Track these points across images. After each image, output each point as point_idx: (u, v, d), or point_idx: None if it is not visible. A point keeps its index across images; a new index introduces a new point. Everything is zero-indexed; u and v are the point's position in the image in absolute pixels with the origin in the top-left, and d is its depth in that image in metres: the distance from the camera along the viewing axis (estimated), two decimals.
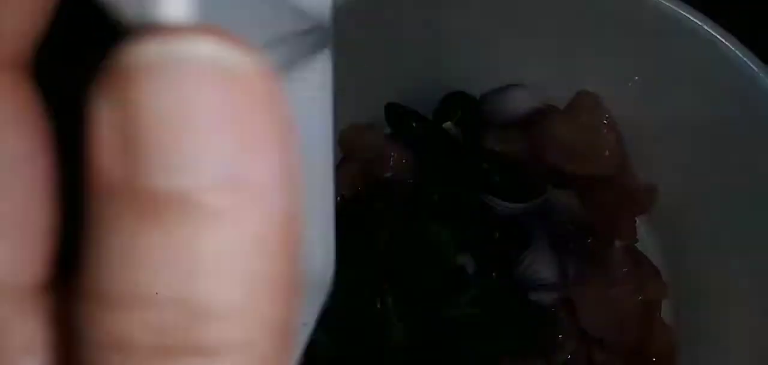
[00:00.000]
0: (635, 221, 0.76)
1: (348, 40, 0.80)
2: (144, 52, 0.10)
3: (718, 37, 0.69)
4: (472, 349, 0.62)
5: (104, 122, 0.10)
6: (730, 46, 0.69)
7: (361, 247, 0.69)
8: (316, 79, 0.19)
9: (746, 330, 0.73)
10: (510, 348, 0.63)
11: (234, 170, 0.10)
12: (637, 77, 0.78)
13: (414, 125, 0.80)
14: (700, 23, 0.70)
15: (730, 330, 0.73)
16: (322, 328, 0.75)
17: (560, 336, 0.72)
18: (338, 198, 0.79)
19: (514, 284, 0.72)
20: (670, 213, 0.80)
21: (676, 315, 0.77)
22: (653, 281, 0.70)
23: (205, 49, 0.10)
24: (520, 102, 0.79)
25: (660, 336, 0.71)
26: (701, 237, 0.78)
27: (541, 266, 0.70)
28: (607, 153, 0.76)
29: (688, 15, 0.70)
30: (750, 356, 0.71)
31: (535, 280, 0.70)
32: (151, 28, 0.10)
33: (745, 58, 0.69)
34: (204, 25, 0.11)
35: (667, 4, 0.70)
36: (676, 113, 0.77)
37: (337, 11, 0.84)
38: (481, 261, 0.71)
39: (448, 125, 0.80)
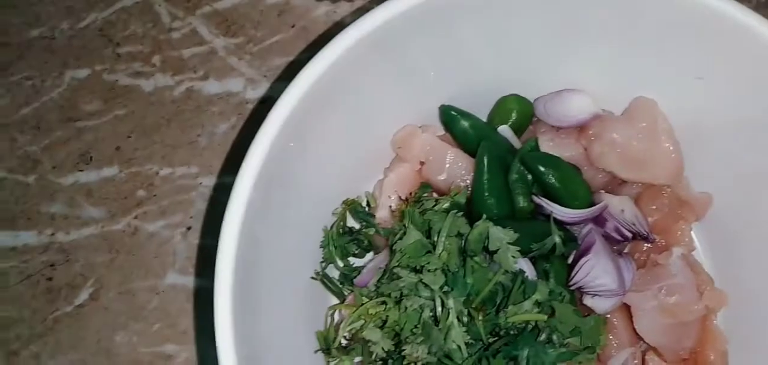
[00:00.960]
0: (691, 230, 0.76)
1: (404, 43, 0.82)
2: None
3: None
4: (533, 354, 0.63)
5: None
6: None
7: (420, 250, 0.69)
8: None
9: None
10: (568, 353, 0.63)
11: None
12: (694, 82, 0.77)
13: (468, 126, 0.80)
14: (757, 23, 0.68)
15: None
16: (383, 332, 0.72)
17: (616, 342, 0.72)
18: (391, 198, 0.79)
19: (572, 292, 0.72)
20: (722, 222, 0.80)
21: (727, 323, 0.76)
22: (711, 289, 0.69)
23: None
24: (577, 106, 0.79)
25: (714, 344, 0.71)
26: (753, 245, 0.77)
27: (599, 272, 0.70)
28: (664, 161, 0.76)
29: (746, 17, 0.68)
30: None
31: (594, 286, 0.70)
32: None
33: None
34: None
35: (724, 4, 0.68)
36: (731, 118, 0.76)
37: (394, 15, 0.83)
38: (540, 267, 0.72)
39: (503, 127, 0.80)
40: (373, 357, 0.70)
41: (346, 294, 0.78)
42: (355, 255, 0.81)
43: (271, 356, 0.66)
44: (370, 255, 0.81)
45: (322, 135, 0.72)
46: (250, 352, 0.61)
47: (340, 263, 0.80)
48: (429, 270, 0.67)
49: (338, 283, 0.80)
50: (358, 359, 0.72)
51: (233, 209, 0.62)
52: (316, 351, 0.75)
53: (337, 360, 0.73)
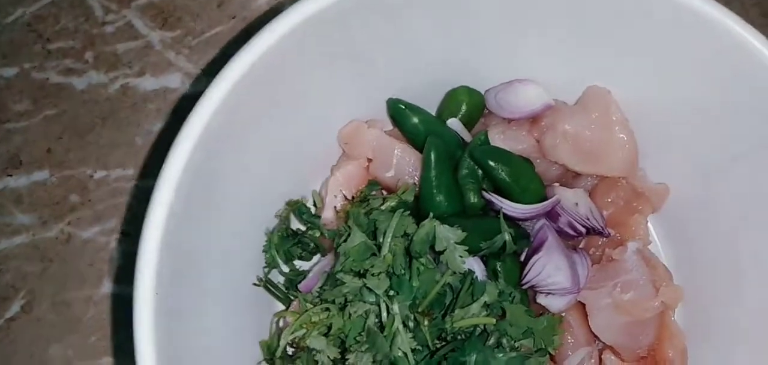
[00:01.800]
0: (647, 222, 0.74)
1: (348, 30, 0.78)
2: None
3: (731, 23, 0.65)
4: (482, 360, 0.59)
5: None
6: (742, 32, 0.64)
7: (365, 253, 0.65)
8: None
9: (757, 330, 0.70)
10: (519, 357, 0.60)
11: None
12: (646, 71, 0.74)
13: (417, 121, 0.76)
14: (715, 12, 0.66)
15: (739, 330, 0.71)
16: (328, 339, 0.67)
17: (572, 341, 0.69)
18: (337, 198, 0.75)
19: (524, 291, 0.69)
20: (679, 213, 0.78)
21: (686, 318, 0.74)
22: (667, 285, 0.67)
23: None
24: (529, 97, 0.76)
25: (672, 341, 0.68)
26: (710, 237, 0.75)
27: (552, 270, 0.67)
28: (618, 152, 0.73)
29: (703, 5, 0.66)
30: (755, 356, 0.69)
31: (547, 284, 0.67)
32: None
33: (755, 42, 0.64)
34: None
35: None
36: (686, 107, 0.73)
37: (341, 10, 0.77)
38: (492, 266, 0.68)
39: (452, 121, 0.77)
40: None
41: (292, 299, 0.74)
42: (300, 259, 0.76)
43: None
44: (317, 258, 0.77)
45: (259, 132, 0.68)
46: None
47: (285, 268, 0.75)
48: (373, 274, 0.63)
49: (284, 288, 0.75)
50: None
51: (153, 218, 0.57)
52: (260, 363, 0.71)
53: None
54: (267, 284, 0.74)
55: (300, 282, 0.73)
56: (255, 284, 0.73)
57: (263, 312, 0.75)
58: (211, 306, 0.65)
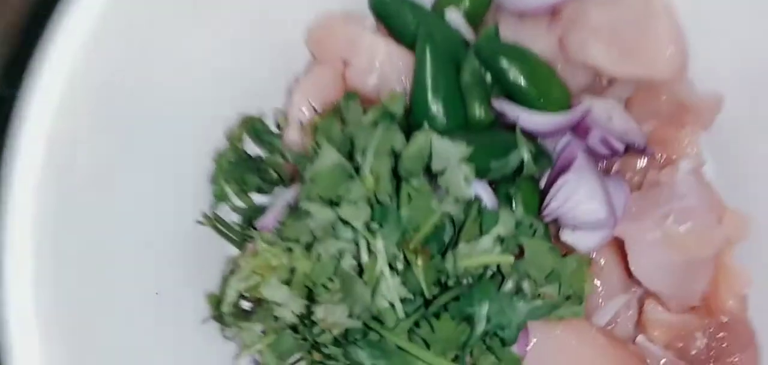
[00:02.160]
0: (699, 139, 0.58)
1: None
2: None
3: None
4: (497, 310, 0.44)
5: None
6: None
7: (338, 176, 0.49)
8: None
9: None
10: (545, 307, 0.45)
11: None
12: None
13: (407, 15, 0.60)
14: None
15: None
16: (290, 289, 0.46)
17: (604, 289, 0.54)
18: (304, 112, 0.59)
19: (546, 226, 0.54)
20: (731, 132, 0.63)
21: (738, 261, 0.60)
22: (731, 214, 0.52)
23: None
24: None
25: (732, 287, 0.54)
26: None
27: (583, 196, 0.52)
28: (663, 49, 0.58)
29: None
30: None
31: (576, 216, 0.52)
32: None
33: None
34: None
35: None
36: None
37: None
38: (502, 193, 0.53)
39: (452, 14, 0.60)
40: (280, 323, 0.51)
41: (248, 241, 0.58)
42: (260, 191, 0.60)
43: (108, 328, 0.46)
44: (280, 190, 0.61)
45: (192, 23, 0.52)
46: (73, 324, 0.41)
47: (239, 202, 0.59)
48: (349, 202, 0.48)
49: (239, 227, 0.59)
50: (260, 328, 0.53)
51: (22, 152, 0.41)
52: (205, 321, 0.55)
53: (235, 329, 0.53)
54: (215, 222, 0.58)
55: (258, 219, 0.57)
56: (200, 222, 0.57)
57: (213, 258, 0.59)
58: (127, 253, 0.49)
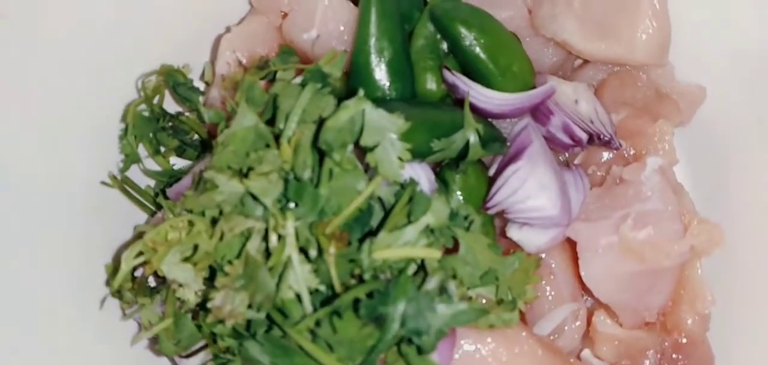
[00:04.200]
0: (673, 133, 0.52)
1: None
2: None
3: None
4: (413, 313, 0.38)
5: None
6: None
7: (253, 142, 0.43)
8: None
9: None
10: (471, 312, 0.39)
11: None
12: None
13: None
14: None
15: None
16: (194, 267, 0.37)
17: (552, 294, 0.49)
18: (230, 66, 0.52)
19: (490, 219, 0.47)
20: (714, 128, 0.56)
21: (708, 271, 0.54)
22: (703, 222, 0.46)
23: None
24: None
25: (694, 303, 0.48)
26: (756, 162, 0.54)
27: (533, 188, 0.45)
28: (646, 28, 0.50)
29: None
30: None
31: (524, 210, 0.46)
32: None
33: None
34: None
35: None
36: None
37: None
38: (448, 178, 0.47)
39: None
40: (182, 305, 0.45)
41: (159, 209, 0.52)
42: (181, 154, 0.54)
43: None
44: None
45: None
46: None
47: (153, 165, 0.53)
48: (261, 174, 0.41)
49: (154, 194, 0.53)
50: (159, 308, 0.47)
51: None
52: (104, 299, 0.49)
53: (132, 307, 0.47)
54: (124, 184, 0.51)
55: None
56: (105, 183, 0.51)
57: (124, 223, 0.53)
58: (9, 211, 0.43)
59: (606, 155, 0.51)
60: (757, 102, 0.54)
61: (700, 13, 0.54)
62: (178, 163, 0.55)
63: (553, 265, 0.49)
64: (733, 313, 0.51)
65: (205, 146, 0.54)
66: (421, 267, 0.41)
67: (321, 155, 0.43)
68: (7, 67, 0.43)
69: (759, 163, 0.54)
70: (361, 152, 0.44)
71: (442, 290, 0.40)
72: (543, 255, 0.49)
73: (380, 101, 0.46)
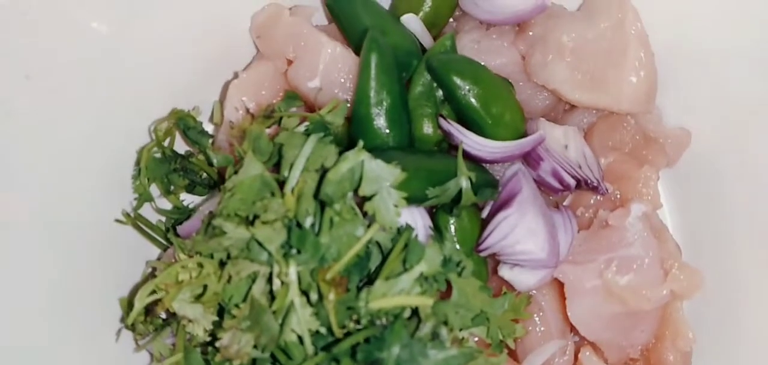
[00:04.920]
0: (658, 179, 0.54)
1: None
2: None
3: None
4: (407, 358, 0.41)
5: None
6: None
7: (258, 191, 0.45)
8: None
9: None
10: (461, 355, 0.42)
11: None
12: None
13: (360, 13, 0.55)
14: None
15: (763, 333, 0.53)
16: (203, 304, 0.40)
17: (541, 330, 0.51)
18: (239, 112, 0.55)
19: (482, 260, 0.50)
20: (698, 170, 0.59)
21: (693, 308, 0.56)
22: (680, 268, 0.49)
23: None
24: None
25: (675, 341, 0.51)
26: (738, 203, 0.56)
27: (522, 234, 0.48)
28: (632, 79, 0.53)
29: None
30: None
31: (514, 253, 0.48)
32: None
33: None
34: None
35: None
36: (727, 36, 0.54)
37: None
38: (443, 222, 0.49)
39: (408, 17, 0.56)
40: (191, 339, 0.48)
41: (170, 245, 0.55)
42: (191, 191, 0.57)
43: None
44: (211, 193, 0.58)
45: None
46: None
47: (165, 203, 0.56)
48: (265, 222, 0.44)
49: (165, 229, 0.56)
50: (170, 339, 0.50)
51: None
52: (119, 331, 0.52)
53: (145, 340, 0.50)
54: (136, 221, 0.54)
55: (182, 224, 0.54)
56: (119, 221, 0.54)
57: (136, 259, 0.56)
58: (31, 249, 0.46)
59: (594, 198, 0.54)
60: (741, 147, 0.56)
61: (686, 65, 0.56)
62: (187, 199, 0.58)
63: (543, 303, 0.52)
64: (715, 352, 0.54)
65: (214, 184, 0.57)
66: (415, 313, 0.44)
67: (322, 203, 0.46)
68: (30, 119, 0.46)
69: (741, 201, 0.56)
70: (362, 199, 0.47)
71: (435, 335, 0.43)
72: (533, 293, 0.52)
73: (379, 150, 0.49)
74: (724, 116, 0.57)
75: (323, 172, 0.46)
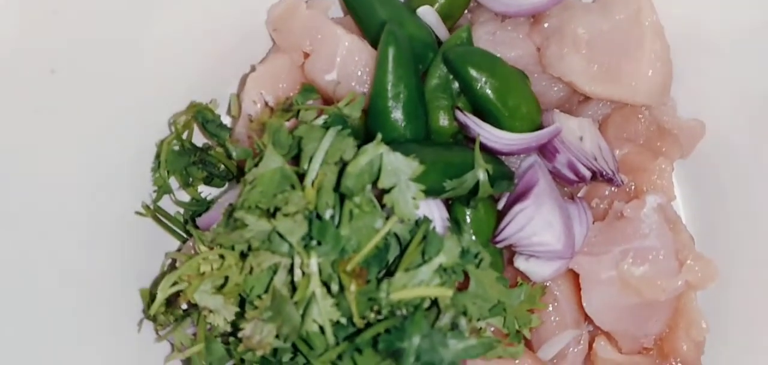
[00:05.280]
0: (673, 170, 0.55)
1: None
2: None
3: None
4: (427, 347, 0.42)
5: None
6: None
7: (279, 184, 0.46)
8: None
9: None
10: (480, 346, 0.43)
11: None
12: None
13: (377, 6, 0.55)
14: None
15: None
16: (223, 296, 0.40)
17: (556, 319, 0.52)
18: (257, 105, 0.55)
19: (498, 251, 0.51)
20: (713, 162, 0.59)
21: (705, 299, 0.57)
22: (695, 258, 0.49)
23: None
24: None
25: (689, 331, 0.51)
26: (754, 194, 0.57)
27: (539, 226, 0.49)
28: (648, 71, 0.53)
29: None
30: None
31: (530, 245, 0.49)
32: None
33: None
34: None
35: None
36: (742, 23, 0.54)
37: None
38: (459, 214, 0.50)
39: (425, 9, 0.56)
40: (212, 329, 0.49)
41: (189, 236, 0.56)
42: (208, 183, 0.57)
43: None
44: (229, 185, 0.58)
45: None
46: None
47: (183, 196, 0.57)
48: (287, 214, 0.45)
49: (183, 220, 0.57)
50: (191, 329, 0.51)
51: None
52: (140, 322, 0.53)
53: (166, 330, 0.51)
54: (156, 213, 0.55)
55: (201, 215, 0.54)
56: (139, 213, 0.54)
57: (155, 250, 0.57)
58: (53, 241, 0.47)
59: (609, 189, 0.54)
60: (755, 138, 0.56)
61: (701, 56, 0.56)
62: (205, 191, 0.59)
63: (558, 293, 0.53)
64: (727, 341, 0.54)
65: (231, 176, 0.58)
66: (435, 303, 0.44)
67: (342, 195, 0.47)
68: (55, 114, 0.47)
69: (755, 192, 0.57)
70: (380, 191, 0.48)
71: (454, 325, 0.43)
72: (548, 283, 0.53)
73: (397, 142, 0.50)
74: (737, 108, 0.57)
75: (343, 165, 0.47)
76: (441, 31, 0.57)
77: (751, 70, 0.55)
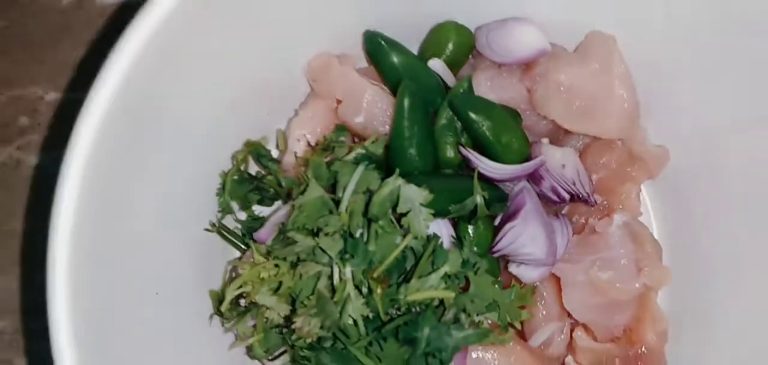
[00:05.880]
0: (640, 191, 0.66)
1: None
2: None
3: None
4: (436, 336, 0.55)
5: None
6: None
7: (320, 209, 0.59)
8: None
9: (750, 317, 0.64)
10: (476, 335, 0.55)
11: None
12: (660, 19, 0.64)
13: (395, 59, 0.68)
14: None
15: (730, 316, 0.65)
16: (278, 296, 0.57)
17: (544, 313, 0.64)
18: (300, 142, 0.68)
19: (495, 259, 0.63)
20: (678, 181, 0.70)
21: (676, 293, 0.68)
22: (652, 267, 0.61)
23: None
24: (523, 39, 0.66)
25: (652, 324, 0.63)
26: (710, 208, 0.68)
27: (526, 240, 0.61)
28: (615, 111, 0.65)
29: None
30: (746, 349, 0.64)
31: (520, 255, 0.61)
32: None
33: None
34: None
35: None
36: (698, 63, 0.64)
37: None
38: (463, 230, 0.62)
39: (434, 62, 0.68)
40: (269, 322, 0.62)
41: (247, 247, 0.69)
42: (260, 204, 0.71)
43: (137, 318, 0.58)
44: (279, 204, 0.72)
45: (212, 58, 0.60)
46: (101, 317, 0.53)
47: (241, 215, 0.70)
48: (327, 234, 0.58)
49: (241, 234, 0.70)
50: (252, 322, 0.64)
51: (73, 154, 0.51)
52: (211, 316, 0.67)
53: (231, 322, 0.65)
54: (220, 230, 0.69)
55: (257, 230, 0.68)
56: (207, 229, 0.68)
57: (219, 259, 0.70)
58: (146, 252, 0.60)
59: (586, 208, 0.66)
60: (711, 159, 0.67)
61: (666, 93, 0.67)
62: (257, 209, 0.72)
63: (544, 293, 0.65)
64: (689, 329, 0.66)
65: (279, 199, 0.71)
66: (441, 303, 0.57)
67: (369, 219, 0.60)
68: (135, 151, 0.57)
69: (714, 206, 0.68)
70: (398, 214, 0.60)
71: (456, 319, 0.56)
72: (538, 285, 0.65)
73: (411, 175, 0.62)
74: (697, 135, 0.68)
75: (370, 194, 0.60)
76: (448, 78, 0.69)
77: (706, 106, 0.66)
